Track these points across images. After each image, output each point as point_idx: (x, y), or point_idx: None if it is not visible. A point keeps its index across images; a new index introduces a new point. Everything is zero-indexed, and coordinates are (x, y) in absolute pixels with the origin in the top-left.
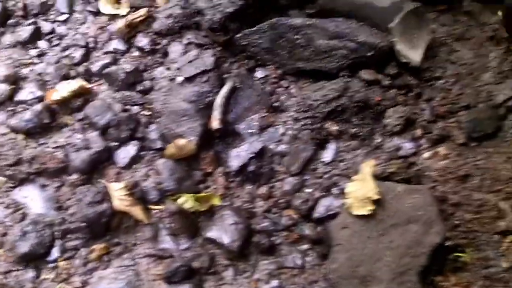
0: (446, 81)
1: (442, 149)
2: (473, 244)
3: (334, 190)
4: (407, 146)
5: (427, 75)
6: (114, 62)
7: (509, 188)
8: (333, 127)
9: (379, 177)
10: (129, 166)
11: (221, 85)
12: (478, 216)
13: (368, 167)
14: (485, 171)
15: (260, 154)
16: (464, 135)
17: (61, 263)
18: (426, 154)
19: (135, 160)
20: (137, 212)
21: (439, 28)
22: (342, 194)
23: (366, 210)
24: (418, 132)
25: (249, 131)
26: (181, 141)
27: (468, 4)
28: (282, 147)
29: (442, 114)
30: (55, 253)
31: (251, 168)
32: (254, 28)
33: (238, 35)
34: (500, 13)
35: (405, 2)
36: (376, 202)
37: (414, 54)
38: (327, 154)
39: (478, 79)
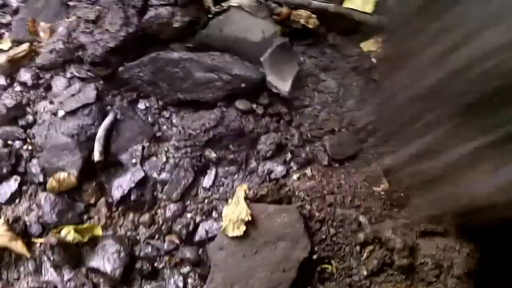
0: (314, 108)
1: (308, 171)
2: (338, 255)
3: (214, 214)
4: (278, 169)
5: (296, 103)
6: None
7: (368, 204)
8: (212, 154)
9: (252, 199)
10: (10, 201)
11: (104, 117)
12: (341, 230)
13: (241, 191)
14: (346, 189)
15: (142, 183)
16: (329, 157)
17: None
18: (295, 176)
19: (16, 195)
20: (18, 246)
21: (307, 60)
22: (221, 217)
23: (239, 231)
24: (288, 156)
25: (132, 161)
26: (62, 175)
27: (332, 38)
28: (163, 175)
29: (310, 138)
30: None
31: (133, 197)
32: (136, 62)
33: (120, 69)
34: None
35: (274, 37)
36: (248, 223)
37: (283, 85)
38: (207, 180)
39: (343, 106)
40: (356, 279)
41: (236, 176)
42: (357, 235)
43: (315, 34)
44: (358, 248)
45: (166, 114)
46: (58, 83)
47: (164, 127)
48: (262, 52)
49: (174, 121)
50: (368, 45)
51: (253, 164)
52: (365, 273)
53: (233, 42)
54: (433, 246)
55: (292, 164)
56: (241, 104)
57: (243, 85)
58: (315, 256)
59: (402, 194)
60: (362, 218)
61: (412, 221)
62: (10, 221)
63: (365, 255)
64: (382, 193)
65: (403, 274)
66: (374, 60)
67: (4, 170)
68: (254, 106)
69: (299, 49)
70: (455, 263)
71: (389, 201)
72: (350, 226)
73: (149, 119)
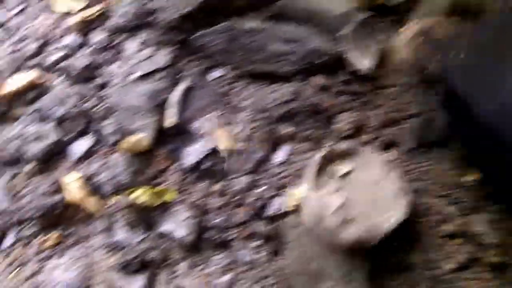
0: (398, 88)
1: (391, 154)
2: (421, 246)
3: (286, 190)
4: None
5: (378, 82)
6: (70, 56)
7: (456, 194)
8: (286, 129)
9: None
10: (83, 159)
11: (176, 83)
12: (426, 219)
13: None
14: (433, 176)
15: (215, 152)
16: (412, 141)
17: (14, 252)
18: None
19: (90, 153)
20: (91, 204)
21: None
22: (293, 194)
23: None
24: (367, 137)
25: (204, 129)
26: (135, 137)
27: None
28: (236, 146)
29: (393, 120)
30: (9, 241)
31: (205, 165)
32: (210, 30)
33: (193, 35)
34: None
35: (356, 11)
36: None
37: (364, 62)
38: (280, 155)
39: None
40: (439, 272)
41: (310, 153)
42: (443, 226)
43: (399, 11)
44: (443, 240)
45: (239, 85)
46: (131, 46)
47: (237, 98)
48: (343, 26)
49: (247, 92)
50: None
51: (329, 142)
52: (449, 267)
53: (312, 14)
54: None
55: (372, 145)
56: (318, 80)
57: (320, 59)
58: (395, 244)
59: None
60: (450, 209)
61: (506, 215)
62: (83, 178)
63: (451, 248)
64: (473, 183)
65: (492, 272)
66: None
67: (79, 128)
68: (332, 82)
69: (382, 26)
70: None
71: (481, 193)
72: (436, 216)
73: (222, 89)
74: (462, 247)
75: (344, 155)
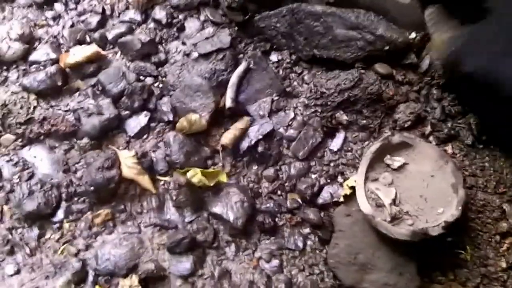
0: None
1: (449, 148)
2: (474, 242)
3: (340, 178)
4: None
5: (441, 73)
6: (130, 31)
7: None
8: (343, 116)
9: None
10: (139, 135)
11: (236, 64)
12: (481, 215)
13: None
14: (490, 173)
15: (269, 136)
16: (473, 136)
17: (66, 225)
18: None
19: (145, 130)
20: (144, 181)
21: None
22: (346, 183)
23: None
24: (427, 129)
25: (260, 112)
26: (193, 116)
27: None
28: (291, 132)
29: (453, 114)
30: (60, 214)
31: (259, 149)
32: (273, 11)
33: (256, 17)
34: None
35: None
36: None
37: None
38: (335, 143)
39: None
40: (492, 270)
41: (366, 143)
42: (498, 224)
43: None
44: (498, 237)
45: (298, 69)
46: (192, 24)
47: (295, 82)
48: (411, 14)
49: (306, 77)
50: None
51: (386, 132)
52: (503, 265)
53: (380, 1)
54: None
55: (431, 138)
56: (381, 68)
57: (386, 47)
58: (449, 239)
59: None
60: (506, 207)
61: None
62: (138, 155)
63: (505, 246)
64: None
65: None
66: None
67: (136, 104)
68: (395, 71)
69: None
70: None
71: None
72: (491, 213)
73: (281, 72)
74: None
75: (400, 147)
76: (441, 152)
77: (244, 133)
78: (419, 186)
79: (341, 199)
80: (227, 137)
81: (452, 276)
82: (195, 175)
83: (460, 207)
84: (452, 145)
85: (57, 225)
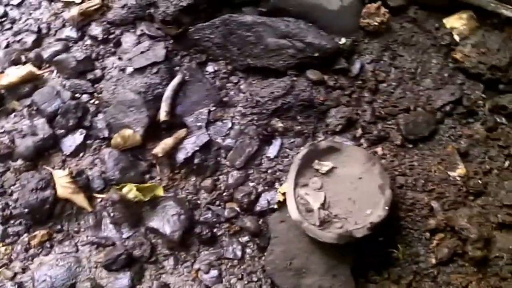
0: (389, 85)
1: (379, 149)
2: (405, 240)
3: (277, 185)
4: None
5: (371, 78)
6: (66, 49)
7: (441, 189)
8: (278, 123)
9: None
10: (75, 154)
11: (171, 77)
12: (411, 214)
13: None
14: (419, 171)
15: (206, 147)
16: (402, 137)
17: (2, 249)
18: None
19: (81, 148)
20: (80, 199)
21: (385, 33)
22: (281, 189)
23: None
24: (359, 132)
25: (197, 124)
26: (127, 132)
27: (414, 11)
28: (228, 141)
29: (383, 116)
30: None
31: (196, 160)
32: (207, 23)
33: (190, 29)
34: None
35: (354, 6)
36: None
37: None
38: (272, 150)
39: (419, 84)
40: (423, 266)
41: (302, 148)
42: (427, 221)
43: (394, 7)
44: (427, 234)
45: (234, 79)
46: (128, 39)
47: (232, 92)
48: (341, 21)
49: (242, 87)
50: (452, 21)
51: (320, 137)
52: (433, 261)
53: (309, 9)
54: (511, 240)
55: (362, 140)
56: (312, 74)
57: (316, 54)
58: (381, 238)
59: (479, 181)
60: (434, 204)
61: (490, 211)
62: (73, 173)
63: (434, 242)
64: (458, 178)
65: (475, 267)
66: (457, 37)
67: (71, 123)
68: (326, 77)
69: None
70: None
71: (465, 188)
72: (420, 211)
73: (217, 83)
74: (445, 242)
75: (328, 151)
76: (368, 154)
77: (179, 143)
78: (347, 189)
79: (277, 205)
80: (160, 147)
81: (386, 274)
82: (131, 191)
83: (386, 208)
84: (382, 146)
85: None
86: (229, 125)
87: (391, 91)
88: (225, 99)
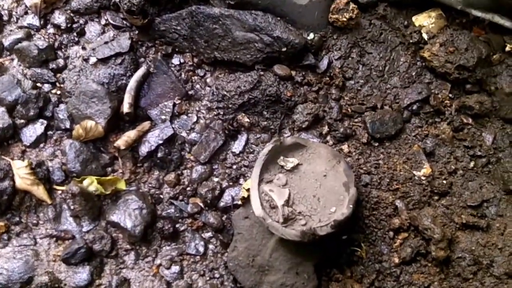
0: (357, 82)
1: (345, 147)
2: (369, 239)
3: (241, 181)
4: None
5: (338, 74)
6: (28, 37)
7: (406, 188)
8: (245, 118)
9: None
10: (35, 145)
11: (136, 69)
12: (375, 212)
13: None
14: (384, 170)
15: (171, 140)
16: (368, 135)
17: None
18: None
19: (42, 139)
20: (39, 191)
21: (353, 29)
22: (245, 185)
23: None
24: (325, 129)
25: (161, 117)
26: (89, 123)
27: (383, 8)
28: (193, 135)
29: (350, 113)
30: None
31: (160, 154)
32: (174, 14)
33: (156, 20)
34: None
35: (323, 1)
36: None
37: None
38: (237, 145)
39: (387, 82)
40: (386, 266)
41: (267, 144)
42: (391, 220)
43: (364, 3)
44: (391, 234)
45: (200, 72)
46: (92, 29)
47: (198, 85)
48: (309, 16)
49: (208, 80)
50: (421, 19)
51: (286, 133)
52: (396, 260)
53: (278, 2)
54: (474, 241)
55: (328, 138)
56: (280, 69)
57: (284, 49)
58: (345, 237)
59: (444, 181)
60: (398, 203)
61: (454, 211)
62: (33, 165)
63: (398, 242)
64: (423, 178)
65: (437, 267)
66: (425, 35)
67: (31, 113)
68: (294, 73)
69: None
70: (495, 261)
71: (429, 188)
72: (385, 210)
73: (183, 75)
74: (409, 241)
75: (293, 148)
76: (333, 151)
77: (142, 136)
78: (312, 186)
79: (241, 201)
80: (122, 139)
81: (349, 273)
82: (92, 184)
83: (351, 206)
84: (348, 144)
85: None
86: (194, 119)
87: (359, 89)
88: (190, 92)
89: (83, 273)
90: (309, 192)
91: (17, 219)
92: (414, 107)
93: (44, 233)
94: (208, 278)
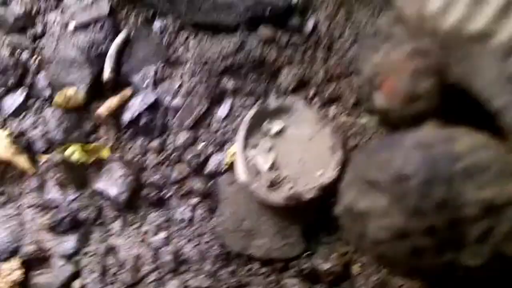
0: (344, 43)
1: (332, 110)
2: None
3: (227, 146)
4: None
5: (325, 35)
6: (4, 3)
7: None
8: (229, 83)
9: None
10: (16, 114)
11: (116, 34)
12: None
13: None
14: (371, 132)
15: (154, 107)
16: (355, 97)
17: None
18: None
19: (22, 108)
20: (22, 161)
21: None
22: (230, 151)
23: None
24: (311, 92)
25: (144, 83)
26: (70, 90)
27: None
28: (176, 101)
29: (336, 75)
30: None
31: (143, 120)
32: None
33: None
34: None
35: None
36: None
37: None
38: (222, 110)
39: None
40: None
41: (252, 108)
42: None
43: None
44: None
45: (183, 36)
46: None
47: (180, 50)
48: None
49: (190, 44)
50: None
51: (272, 97)
52: None
53: None
54: None
55: (314, 100)
56: (264, 31)
57: (267, 11)
58: (331, 200)
59: None
60: None
61: None
62: (14, 134)
63: None
64: None
65: None
66: None
67: (10, 81)
68: (279, 34)
69: None
70: None
71: None
72: None
73: (165, 40)
74: None
75: (279, 111)
76: (320, 115)
77: (125, 103)
78: (298, 150)
79: (227, 167)
80: (104, 107)
81: (336, 236)
82: (75, 152)
83: (337, 169)
84: (335, 106)
85: None
86: (178, 84)
87: (346, 49)
88: (173, 57)
89: (69, 242)
90: (295, 156)
91: (1, 189)
92: None
93: (28, 203)
94: (195, 244)
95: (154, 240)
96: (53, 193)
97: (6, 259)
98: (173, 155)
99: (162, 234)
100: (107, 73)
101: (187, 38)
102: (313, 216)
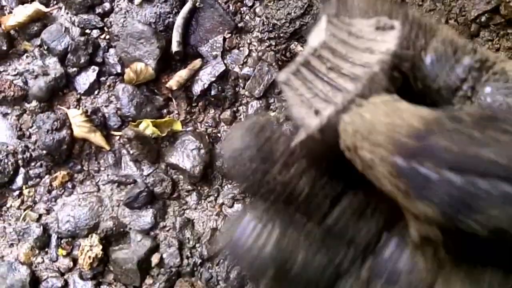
0: None
1: None
2: None
3: None
4: None
5: None
6: None
7: None
8: (298, 47)
9: None
10: (89, 92)
11: (182, 5)
12: None
13: None
14: None
15: (223, 77)
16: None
17: (26, 191)
18: None
19: (95, 86)
20: (97, 138)
21: None
22: None
23: None
24: None
25: (212, 53)
26: (139, 65)
27: None
28: (246, 70)
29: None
30: (19, 181)
31: (213, 91)
32: None
33: None
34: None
35: None
36: None
37: None
38: None
39: None
40: None
41: None
42: None
43: None
44: None
45: (248, 2)
46: None
47: (247, 17)
48: None
49: (257, 10)
50: None
51: None
52: None
53: None
54: None
55: None
56: None
57: None
58: None
59: None
60: None
61: None
62: (89, 112)
63: None
64: None
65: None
66: None
67: (82, 60)
68: None
69: None
70: None
71: None
72: None
73: (231, 7)
74: None
75: None
76: None
77: (194, 74)
78: None
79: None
80: (174, 80)
81: None
82: (148, 127)
83: None
84: None
85: (17, 192)
86: (246, 52)
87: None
88: (240, 24)
89: (147, 216)
90: None
91: (79, 167)
92: (483, 18)
93: (106, 179)
94: None
95: (230, 212)
96: (129, 168)
97: (86, 236)
98: None
99: (238, 206)
100: (175, 46)
101: (253, 4)
102: None
